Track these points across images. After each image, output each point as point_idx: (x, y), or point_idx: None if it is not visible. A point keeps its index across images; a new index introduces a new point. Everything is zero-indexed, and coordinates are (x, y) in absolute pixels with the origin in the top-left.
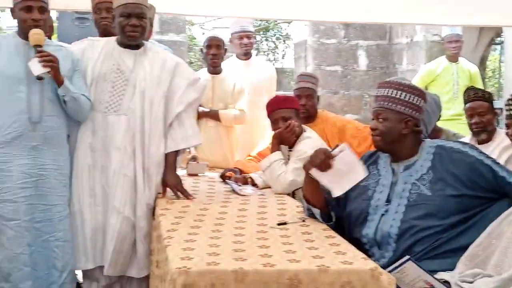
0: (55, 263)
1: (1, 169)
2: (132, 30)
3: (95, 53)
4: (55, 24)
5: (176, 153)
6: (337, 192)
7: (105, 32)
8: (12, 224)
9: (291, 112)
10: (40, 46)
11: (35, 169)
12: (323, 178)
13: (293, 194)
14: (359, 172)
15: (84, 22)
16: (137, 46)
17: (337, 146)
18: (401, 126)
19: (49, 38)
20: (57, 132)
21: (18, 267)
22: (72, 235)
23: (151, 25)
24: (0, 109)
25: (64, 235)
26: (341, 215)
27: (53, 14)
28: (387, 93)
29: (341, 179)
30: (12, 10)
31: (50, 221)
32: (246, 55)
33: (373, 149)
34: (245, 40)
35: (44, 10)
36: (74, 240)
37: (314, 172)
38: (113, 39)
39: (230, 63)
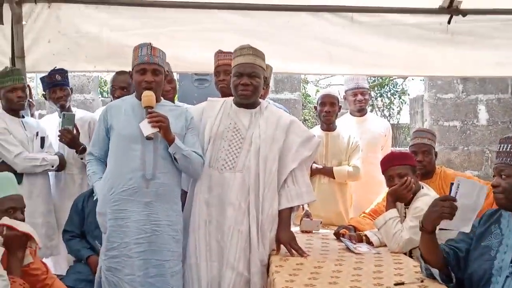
0: None
1: (119, 225)
2: (243, 89)
3: (213, 112)
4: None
5: (290, 210)
6: (468, 228)
7: (224, 94)
8: (127, 279)
9: (407, 169)
10: (151, 107)
11: (149, 224)
12: (451, 224)
13: (410, 253)
14: (483, 190)
15: (203, 83)
16: (253, 105)
17: (451, 186)
18: None
19: (172, 99)
20: (170, 188)
21: None
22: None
23: (268, 84)
24: (116, 167)
25: None
26: (462, 276)
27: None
28: (510, 148)
29: (467, 211)
30: (130, 74)
31: (163, 277)
32: (360, 112)
33: (495, 207)
34: (359, 97)
35: (157, 72)
36: None
37: (443, 225)
38: (230, 99)
39: (345, 120)
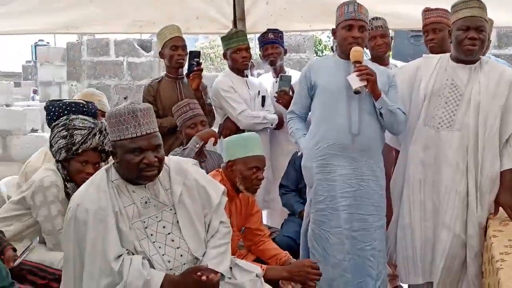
0: (370, 272)
1: (326, 179)
2: (470, 43)
3: (429, 69)
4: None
5: None
6: None
7: (434, 53)
8: (334, 231)
9: None
10: (359, 62)
11: (354, 179)
12: None
13: None
14: None
15: (419, 39)
16: (472, 61)
17: None
18: None
19: (385, 53)
20: (375, 144)
21: (341, 273)
22: (401, 248)
23: (489, 39)
24: (322, 122)
25: (379, 244)
26: None
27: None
28: None
29: None
30: (333, 32)
31: (367, 231)
32: None
33: None
34: None
35: (363, 29)
36: (404, 254)
37: None
38: (447, 55)
39: None
